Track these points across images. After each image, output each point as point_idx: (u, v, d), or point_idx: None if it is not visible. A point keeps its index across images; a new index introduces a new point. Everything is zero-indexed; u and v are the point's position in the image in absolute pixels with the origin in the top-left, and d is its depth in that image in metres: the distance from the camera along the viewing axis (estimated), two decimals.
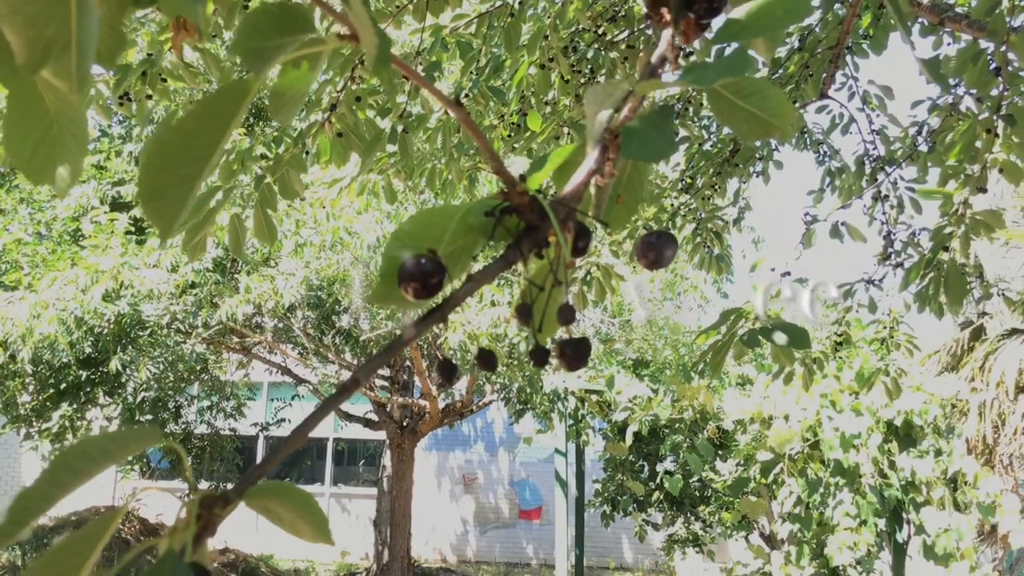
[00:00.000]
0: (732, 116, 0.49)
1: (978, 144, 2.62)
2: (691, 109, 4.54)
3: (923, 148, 3.72)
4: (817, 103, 4.57)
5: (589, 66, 3.66)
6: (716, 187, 5.00)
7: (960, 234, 3.82)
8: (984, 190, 2.79)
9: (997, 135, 2.45)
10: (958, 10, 2.68)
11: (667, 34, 0.47)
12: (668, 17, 0.47)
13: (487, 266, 0.39)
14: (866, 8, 4.39)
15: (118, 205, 9.00)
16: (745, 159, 4.46)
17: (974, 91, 2.66)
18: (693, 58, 3.64)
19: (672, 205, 5.08)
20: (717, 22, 0.49)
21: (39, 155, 0.61)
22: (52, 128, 0.61)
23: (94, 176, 9.17)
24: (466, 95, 3.12)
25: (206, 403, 11.78)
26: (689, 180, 4.96)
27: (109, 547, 9.30)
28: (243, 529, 13.92)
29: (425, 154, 3.74)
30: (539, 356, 0.45)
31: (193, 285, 7.82)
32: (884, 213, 5.13)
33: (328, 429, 17.54)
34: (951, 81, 3.21)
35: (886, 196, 5.05)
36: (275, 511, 0.54)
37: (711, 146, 5.00)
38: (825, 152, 5.59)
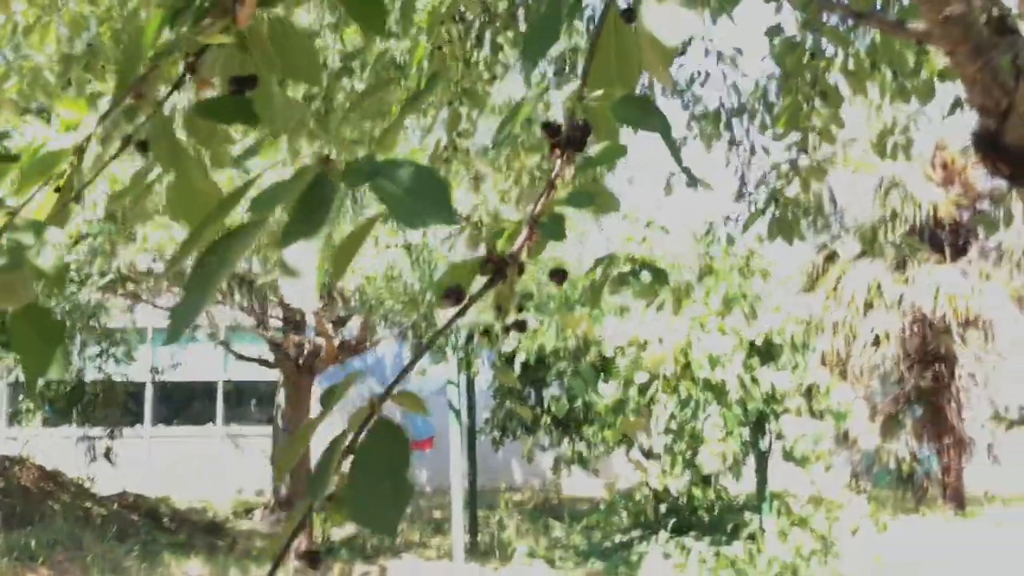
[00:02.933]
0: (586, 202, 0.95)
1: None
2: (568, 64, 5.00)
3: (763, 111, 4.31)
4: (679, 61, 5.11)
5: (475, 34, 4.09)
6: None
7: (808, 173, 4.46)
8: (805, 151, 3.37)
9: (814, 107, 3.01)
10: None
11: (559, 162, 0.93)
12: (559, 152, 0.93)
13: (481, 289, 0.83)
14: None
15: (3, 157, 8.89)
16: None
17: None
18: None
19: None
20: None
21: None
22: None
23: None
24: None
25: (96, 350, 11.83)
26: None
27: (10, 495, 9.42)
28: (138, 473, 14.04)
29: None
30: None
31: (85, 236, 7.93)
32: (739, 157, 5.75)
33: (218, 371, 17.64)
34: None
35: (740, 142, 5.66)
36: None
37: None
38: (689, 99, 6.16)
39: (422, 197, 0.70)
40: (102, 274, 8.06)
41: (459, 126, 3.91)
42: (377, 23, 1.14)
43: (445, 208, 0.69)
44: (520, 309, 0.93)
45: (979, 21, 2.53)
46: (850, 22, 3.31)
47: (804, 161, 4.24)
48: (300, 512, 0.78)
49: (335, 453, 0.75)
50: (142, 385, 15.86)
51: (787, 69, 2.91)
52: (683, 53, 4.74)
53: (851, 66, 2.98)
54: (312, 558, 0.78)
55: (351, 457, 0.76)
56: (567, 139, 0.95)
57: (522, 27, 4.64)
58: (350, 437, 0.78)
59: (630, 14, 1.04)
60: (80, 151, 0.99)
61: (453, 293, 0.85)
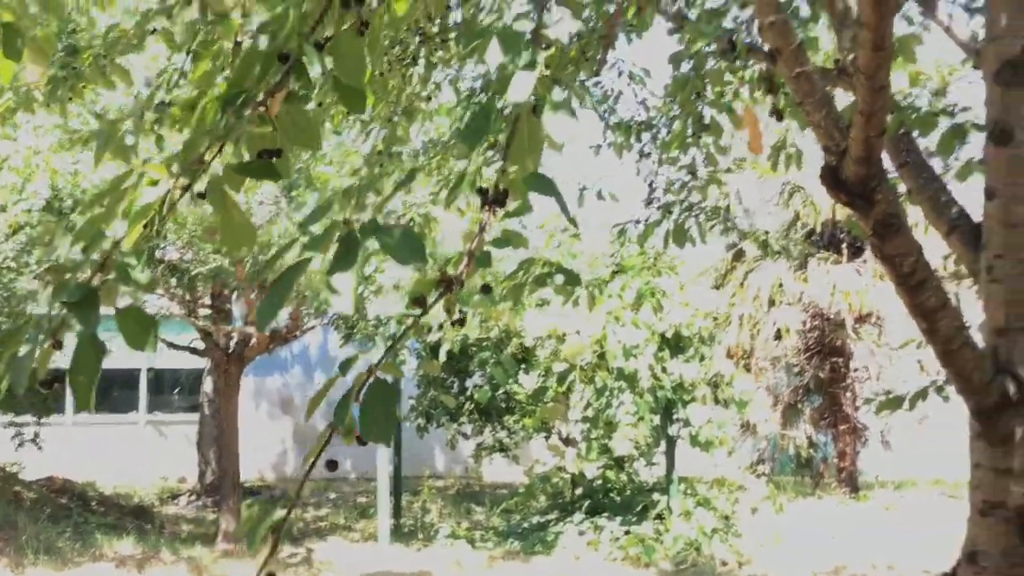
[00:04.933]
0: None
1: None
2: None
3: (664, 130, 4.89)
4: (593, 80, 5.65)
5: (412, 55, 4.57)
6: None
7: (698, 188, 5.04)
8: (694, 173, 3.95)
9: (699, 136, 3.57)
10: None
11: (487, 215, 1.42)
12: (487, 208, 1.42)
13: (436, 297, 1.31)
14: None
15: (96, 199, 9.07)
16: None
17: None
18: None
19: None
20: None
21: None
22: None
23: None
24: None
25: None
26: (492, 141, 5.96)
27: None
28: (64, 458, 14.11)
29: None
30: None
31: (24, 225, 8.16)
32: (647, 167, 6.32)
33: (140, 359, 17.70)
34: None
35: (648, 153, 6.24)
36: None
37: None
38: (605, 112, 6.71)
39: (407, 247, 1.19)
40: (39, 263, 8.28)
41: (395, 140, 4.39)
42: (359, 106, 1.63)
43: (421, 253, 1.19)
44: (460, 311, 1.43)
45: (822, 79, 3.12)
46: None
47: (702, 173, 4.83)
48: (324, 435, 1.27)
49: (349, 399, 1.24)
50: (64, 372, 15.86)
51: (679, 103, 3.45)
52: (598, 73, 5.28)
53: (734, 101, 3.55)
54: (332, 465, 1.27)
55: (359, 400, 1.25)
56: (493, 200, 1.45)
57: (453, 47, 5.14)
58: (356, 390, 1.27)
59: (536, 110, 1.56)
60: (163, 201, 1.46)
61: (419, 300, 1.34)
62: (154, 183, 1.50)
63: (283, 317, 12.25)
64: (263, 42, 1.58)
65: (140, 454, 16.67)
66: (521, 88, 1.44)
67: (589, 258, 10.33)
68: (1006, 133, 2.90)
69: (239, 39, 2.09)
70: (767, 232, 11.85)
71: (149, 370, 18.10)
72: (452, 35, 4.93)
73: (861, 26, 3.21)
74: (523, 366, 11.17)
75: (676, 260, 10.09)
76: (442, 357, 10.28)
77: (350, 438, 1.27)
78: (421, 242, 1.20)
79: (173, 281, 10.37)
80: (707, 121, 3.45)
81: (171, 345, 11.68)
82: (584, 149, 6.30)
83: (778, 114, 3.43)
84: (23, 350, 1.34)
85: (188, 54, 3.06)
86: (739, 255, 13.58)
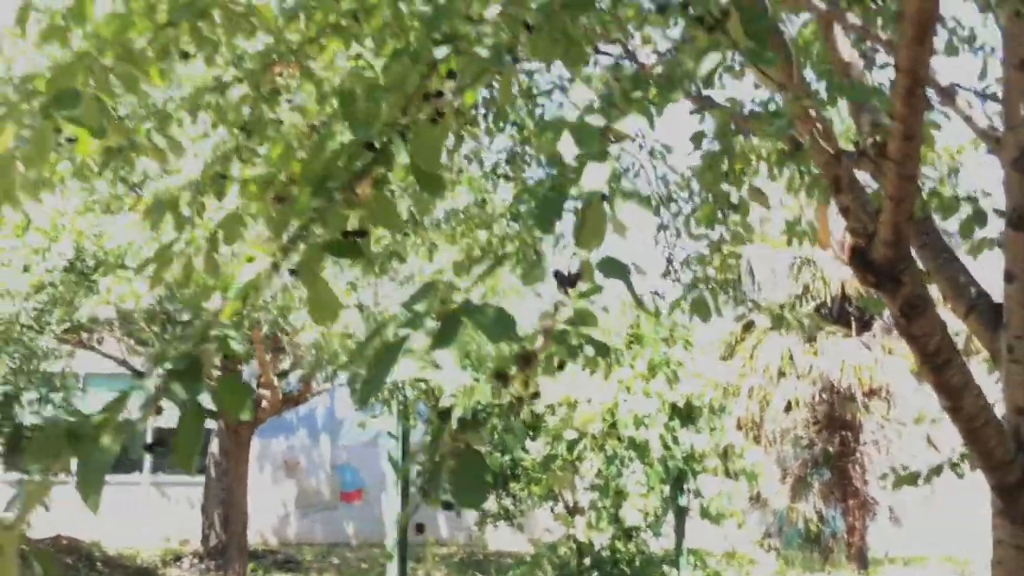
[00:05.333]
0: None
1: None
2: (518, 159, 5.69)
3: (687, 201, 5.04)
4: (616, 153, 5.82)
5: None
6: None
7: (716, 264, 5.16)
8: (720, 249, 4.08)
9: (727, 215, 3.70)
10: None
11: (562, 296, 1.53)
12: (562, 288, 1.53)
13: (516, 372, 1.43)
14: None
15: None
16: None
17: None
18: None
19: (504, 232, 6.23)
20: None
21: None
22: None
23: None
24: None
25: (35, 395, 12.00)
26: (515, 212, 6.12)
27: None
28: (71, 517, 14.05)
29: None
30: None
31: (49, 284, 8.30)
32: (666, 239, 6.47)
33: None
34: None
35: (667, 226, 6.38)
36: None
37: (535, 183, 6.17)
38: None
39: (500, 325, 1.30)
40: (60, 322, 8.42)
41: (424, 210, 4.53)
42: (437, 189, 1.75)
43: (511, 327, 1.30)
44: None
45: (850, 165, 3.25)
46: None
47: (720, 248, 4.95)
48: (414, 501, 1.35)
49: (440, 465, 1.34)
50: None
51: (706, 184, 3.59)
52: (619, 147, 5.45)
53: (758, 181, 3.69)
54: (420, 528, 1.36)
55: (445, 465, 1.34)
56: (567, 281, 1.56)
57: (482, 124, 5.31)
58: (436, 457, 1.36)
59: (606, 199, 1.68)
60: (262, 276, 1.57)
61: (501, 375, 1.44)
62: (251, 260, 1.61)
63: (294, 380, 12.34)
64: (341, 129, 1.71)
65: (143, 515, 16.57)
66: (595, 179, 1.56)
67: (603, 327, 10.43)
68: None
69: (314, 123, 2.22)
70: (781, 306, 11.97)
71: (155, 429, 18.06)
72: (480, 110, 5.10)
73: (880, 111, 3.36)
74: (531, 433, 11.19)
75: (688, 331, 10.19)
76: (454, 422, 10.31)
77: (437, 503, 1.35)
78: (513, 320, 1.31)
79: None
80: (734, 199, 3.58)
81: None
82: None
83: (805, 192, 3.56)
84: (134, 415, 1.43)
85: (242, 130, 3.21)
86: (748, 326, 13.68)
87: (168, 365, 1.54)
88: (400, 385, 9.86)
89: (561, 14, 1.96)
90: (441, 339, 1.30)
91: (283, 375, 11.56)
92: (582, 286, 1.61)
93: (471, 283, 1.46)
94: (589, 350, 2.51)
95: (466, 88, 1.95)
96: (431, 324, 1.34)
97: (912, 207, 2.64)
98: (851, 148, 3.77)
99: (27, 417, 12.08)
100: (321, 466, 18.14)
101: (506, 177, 6.00)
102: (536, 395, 1.51)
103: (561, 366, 1.68)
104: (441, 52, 1.72)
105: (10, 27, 7.72)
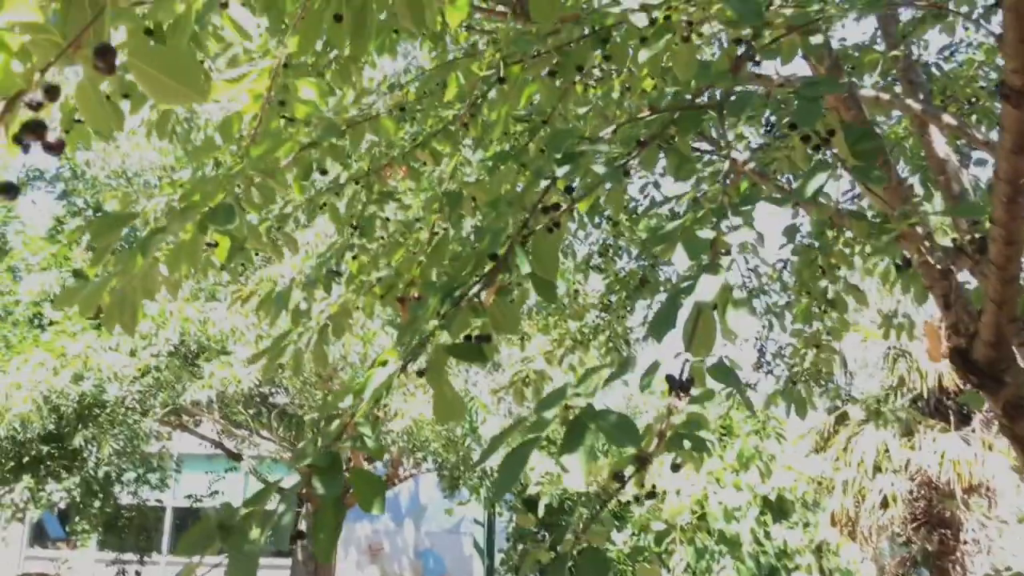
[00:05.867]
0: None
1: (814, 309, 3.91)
2: (611, 251, 5.80)
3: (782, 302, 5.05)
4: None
5: None
6: (628, 308, 6.26)
7: (810, 359, 5.14)
8: (819, 345, 4.09)
9: (825, 311, 3.73)
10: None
11: (675, 400, 1.61)
12: (675, 393, 1.61)
13: (632, 473, 1.50)
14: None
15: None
16: (652, 291, 5.72)
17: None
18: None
19: (593, 322, 6.32)
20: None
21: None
22: None
23: (54, 265, 9.93)
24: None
25: (132, 475, 12.36)
26: (606, 303, 6.21)
27: None
28: None
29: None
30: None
31: (151, 369, 8.65)
32: (757, 332, 6.46)
33: (236, 500, 17.97)
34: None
35: (759, 319, 6.38)
36: None
37: (624, 275, 6.27)
38: None
39: (623, 431, 1.38)
40: (163, 405, 8.74)
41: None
42: (553, 296, 1.86)
43: (636, 437, 1.38)
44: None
45: (949, 267, 3.27)
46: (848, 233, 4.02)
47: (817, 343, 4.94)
48: None
49: (564, 559, 1.41)
50: (162, 510, 16.27)
51: (803, 280, 3.63)
52: None
53: (855, 278, 3.72)
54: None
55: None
56: (680, 386, 1.64)
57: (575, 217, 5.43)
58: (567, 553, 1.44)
59: (715, 308, 1.76)
60: (393, 377, 1.69)
61: (618, 475, 1.52)
62: (384, 363, 1.73)
63: (380, 465, 12.48)
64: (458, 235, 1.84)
65: None
66: (708, 290, 1.65)
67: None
68: None
69: (436, 230, 2.38)
70: (878, 399, 11.70)
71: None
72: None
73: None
74: (617, 523, 11.08)
75: (780, 422, 10.04)
76: (541, 510, 10.30)
77: None
78: (635, 426, 1.39)
79: (279, 426, 10.73)
80: (831, 296, 3.61)
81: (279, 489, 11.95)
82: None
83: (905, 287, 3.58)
84: (280, 510, 1.54)
85: (356, 228, 3.39)
86: (842, 418, 13.35)
87: (309, 461, 1.66)
88: (489, 472, 9.90)
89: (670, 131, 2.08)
90: (568, 445, 1.39)
91: (371, 460, 11.70)
92: (694, 390, 1.68)
93: (590, 388, 1.55)
94: (687, 444, 2.55)
95: (580, 199, 2.07)
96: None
97: (1015, 310, 2.65)
98: (947, 242, 3.79)
99: (124, 497, 12.44)
100: (405, 551, 18.14)
101: (598, 269, 6.11)
102: (652, 495, 1.58)
103: (675, 468, 1.75)
104: (561, 170, 1.84)
105: (136, 129, 8.25)
